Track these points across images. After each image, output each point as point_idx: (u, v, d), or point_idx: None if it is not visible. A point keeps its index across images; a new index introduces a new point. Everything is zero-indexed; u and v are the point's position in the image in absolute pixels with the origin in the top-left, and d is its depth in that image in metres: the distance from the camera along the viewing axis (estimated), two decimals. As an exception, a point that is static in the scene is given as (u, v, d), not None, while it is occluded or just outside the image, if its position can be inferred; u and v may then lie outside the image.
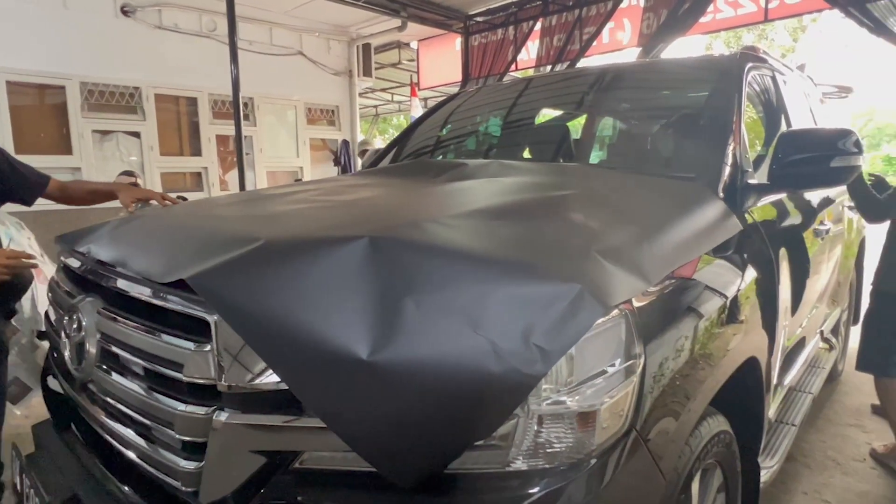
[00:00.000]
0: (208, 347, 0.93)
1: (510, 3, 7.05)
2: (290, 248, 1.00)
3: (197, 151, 6.82)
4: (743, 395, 1.51)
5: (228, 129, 6.92)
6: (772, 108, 2.35)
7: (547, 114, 2.80)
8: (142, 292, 1.09)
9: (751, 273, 1.51)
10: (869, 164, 27.91)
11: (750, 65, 2.14)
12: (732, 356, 1.31)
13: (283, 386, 0.88)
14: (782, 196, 1.94)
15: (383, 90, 11.53)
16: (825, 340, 2.96)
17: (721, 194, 1.62)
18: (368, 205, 1.45)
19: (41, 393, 1.56)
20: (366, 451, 0.81)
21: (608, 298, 0.88)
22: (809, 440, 2.73)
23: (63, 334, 1.25)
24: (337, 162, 8.23)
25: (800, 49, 15.36)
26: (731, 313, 1.33)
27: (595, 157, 2.38)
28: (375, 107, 13.53)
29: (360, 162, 7.62)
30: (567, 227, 1.17)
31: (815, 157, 1.69)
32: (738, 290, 1.40)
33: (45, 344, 2.74)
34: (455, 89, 8.19)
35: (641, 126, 2.32)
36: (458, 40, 7.92)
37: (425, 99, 11.69)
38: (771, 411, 1.89)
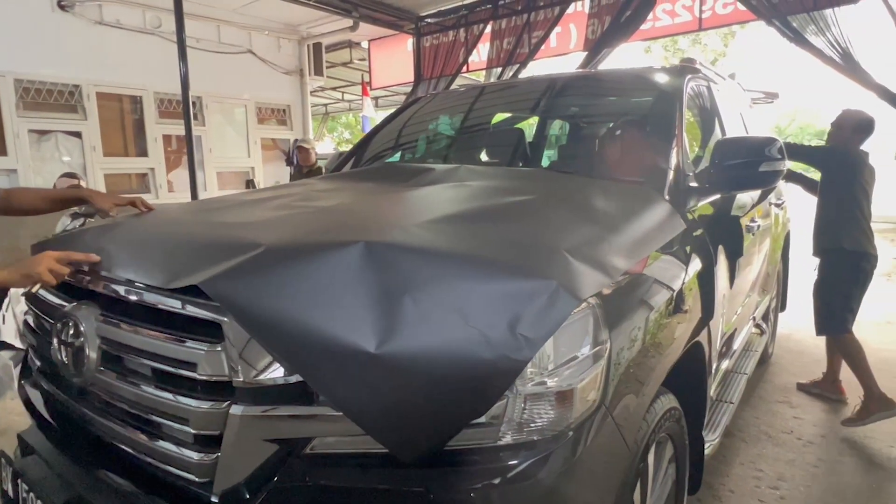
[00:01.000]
0: (220, 347, 1.01)
1: (461, 6, 7.19)
2: (292, 253, 1.09)
3: (143, 152, 6.62)
4: (689, 375, 1.70)
5: (175, 128, 6.76)
6: (708, 116, 2.58)
7: (504, 118, 2.96)
8: (148, 299, 1.14)
9: (693, 267, 1.69)
10: (792, 165, 30.01)
11: (689, 77, 2.37)
12: (680, 341, 1.49)
13: (293, 378, 0.98)
14: (718, 196, 2.16)
15: (333, 88, 11.45)
16: (757, 326, 3.26)
17: (667, 196, 1.81)
18: (351, 210, 1.54)
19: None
20: (376, 431, 0.92)
21: (579, 292, 1.02)
22: (745, 416, 3.01)
23: (55, 341, 1.28)
24: (289, 162, 8.13)
25: (730, 53, 16.30)
26: (677, 304, 1.51)
27: (551, 161, 2.55)
28: (325, 105, 13.41)
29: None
30: (538, 228, 1.30)
31: (746, 163, 1.90)
32: (683, 282, 1.58)
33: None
34: (407, 89, 8.28)
35: (593, 133, 2.50)
36: (409, 41, 8.00)
37: (377, 98, 11.70)
38: (712, 390, 2.11)
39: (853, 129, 3.09)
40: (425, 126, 2.99)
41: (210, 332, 1.03)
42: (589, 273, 1.10)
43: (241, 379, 0.98)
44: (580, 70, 3.11)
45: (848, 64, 4.76)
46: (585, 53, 6.31)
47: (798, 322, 4.68)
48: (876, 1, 4.57)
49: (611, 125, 2.38)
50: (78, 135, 6.02)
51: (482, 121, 2.91)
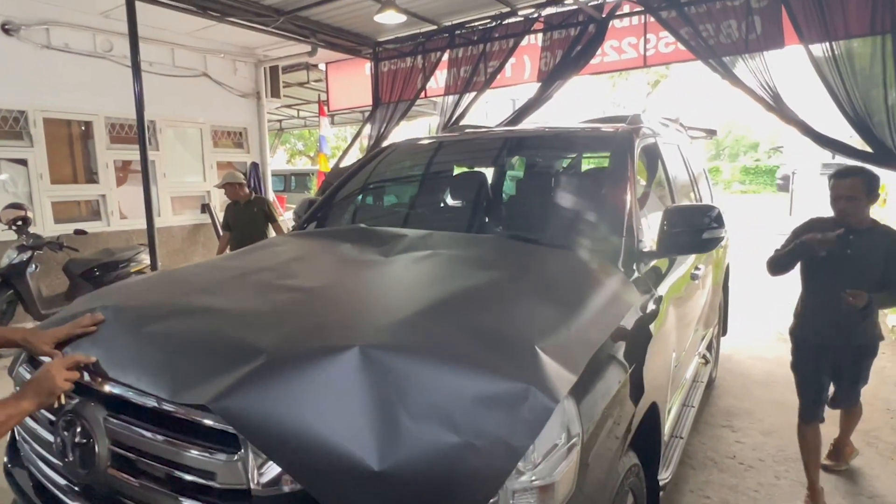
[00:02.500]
0: (237, 457, 1.10)
1: (418, 34, 7.35)
2: (292, 363, 1.19)
3: (92, 178, 6.43)
4: (646, 431, 1.88)
5: (127, 153, 6.61)
6: (654, 169, 2.82)
7: (464, 171, 3.11)
8: (159, 405, 1.22)
9: (649, 331, 1.89)
10: (730, 173, 31.71)
11: (637, 140, 2.58)
12: (640, 408, 1.67)
13: None
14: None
15: (289, 106, 11.38)
16: (703, 357, 3.54)
17: (621, 265, 2.01)
18: (336, 297, 1.61)
19: None
20: None
21: (556, 394, 1.17)
22: (692, 443, 3.26)
23: (59, 439, 1.32)
24: (204, 209, 7.58)
25: (671, 75, 17.18)
26: (638, 374, 1.68)
27: (511, 220, 2.69)
28: (280, 121, 13.29)
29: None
30: (512, 318, 1.45)
31: (690, 230, 2.12)
32: (644, 350, 1.76)
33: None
34: (366, 112, 8.36)
35: (549, 196, 2.65)
36: (367, 64, 8.10)
37: (332, 114, 11.69)
38: (665, 434, 2.32)
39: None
40: (392, 178, 3.11)
41: (227, 440, 1.12)
42: (561, 373, 1.25)
43: (260, 488, 1.08)
44: (538, 128, 3.29)
45: (776, 104, 5.21)
46: (539, 84, 6.61)
47: (737, 342, 5.06)
48: (798, 47, 5.05)
49: (566, 190, 2.57)
50: (24, 162, 5.81)
51: (444, 174, 3.05)
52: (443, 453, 1.06)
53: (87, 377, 1.35)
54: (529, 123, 6.45)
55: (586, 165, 2.81)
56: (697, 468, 3.01)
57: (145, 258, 5.94)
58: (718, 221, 2.13)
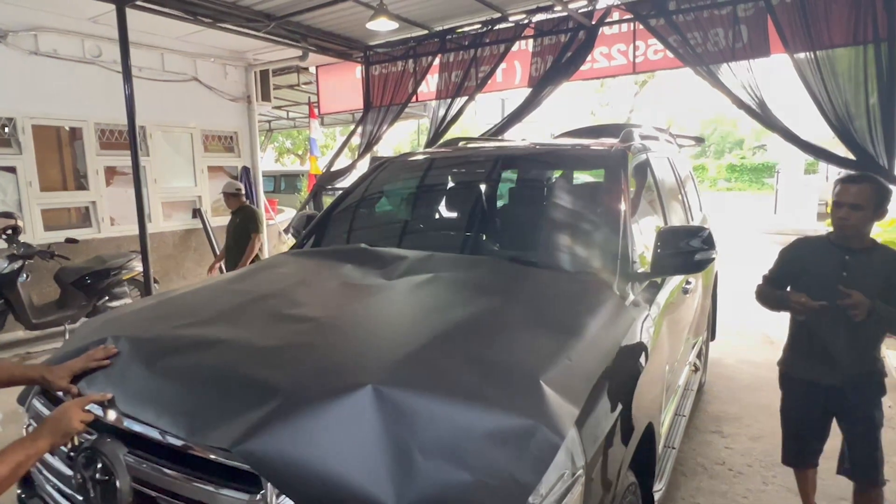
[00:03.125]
0: (260, 496, 1.15)
1: (409, 38, 7.38)
2: (307, 403, 1.23)
3: (82, 185, 6.39)
4: (642, 448, 1.96)
5: (117, 160, 6.57)
6: (646, 186, 2.90)
7: (461, 189, 3.16)
8: (179, 443, 1.26)
9: (645, 353, 1.95)
10: (715, 171, 32.08)
11: (630, 158, 2.65)
12: (638, 431, 1.74)
13: None
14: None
15: (278, 108, 11.34)
16: (693, 366, 3.63)
17: (616, 288, 2.07)
18: (343, 329, 1.65)
19: None
20: None
21: (562, 430, 1.24)
22: (683, 449, 3.36)
23: (78, 474, 1.36)
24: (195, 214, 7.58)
25: (658, 74, 17.33)
26: (636, 398, 1.75)
27: (507, 240, 2.75)
28: (269, 121, 13.23)
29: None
30: (515, 350, 1.51)
31: (682, 252, 2.20)
32: (640, 373, 1.83)
33: None
34: (357, 115, 8.37)
35: (546, 221, 2.68)
36: (358, 68, 8.10)
37: (322, 116, 11.66)
38: (659, 448, 2.39)
39: None
40: (387, 195, 3.16)
41: (250, 479, 1.17)
42: (565, 407, 1.32)
43: (282, 527, 1.13)
44: (534, 145, 3.35)
45: (762, 111, 5.32)
46: (530, 90, 6.67)
47: (724, 346, 5.18)
48: (783, 56, 5.16)
49: (561, 211, 2.63)
50: (12, 170, 5.76)
51: (442, 192, 3.11)
52: (456, 491, 1.11)
53: (109, 415, 1.39)
54: (524, 125, 6.53)
55: (581, 182, 2.87)
56: (689, 475, 3.10)
57: (137, 265, 5.92)
58: (709, 243, 2.21)
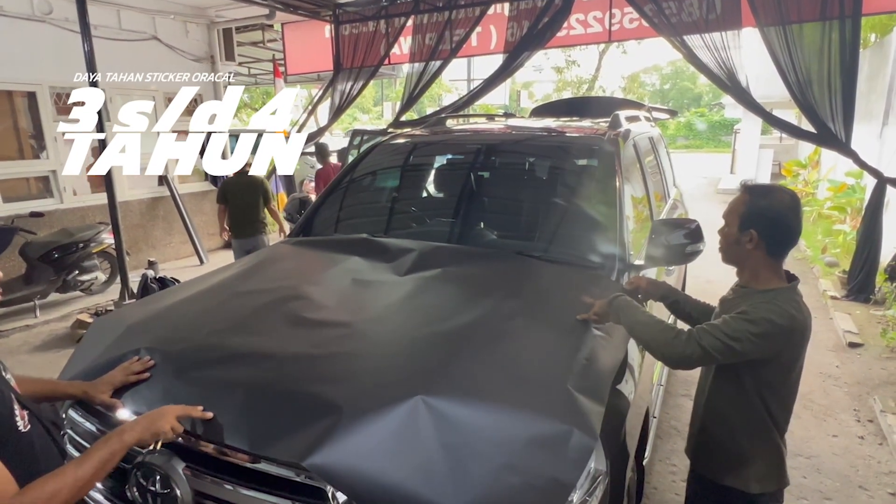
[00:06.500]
0: (325, 508, 1.26)
1: (381, -3, 7.15)
2: (364, 416, 1.33)
3: (40, 153, 6.06)
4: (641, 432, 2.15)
5: (75, 125, 6.22)
6: (636, 171, 3.02)
7: (456, 177, 3.20)
8: (244, 459, 1.34)
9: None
10: (673, 128, 32.69)
11: (622, 143, 2.76)
12: (641, 417, 1.92)
13: None
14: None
15: (240, 65, 10.84)
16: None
17: (615, 278, 2.22)
18: (372, 333, 1.73)
19: None
20: None
21: (592, 432, 1.38)
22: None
23: (135, 490, 1.42)
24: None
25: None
26: (639, 388, 1.91)
27: (504, 232, 2.82)
28: (229, 74, 12.63)
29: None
30: (539, 353, 1.64)
31: (676, 245, 2.35)
32: (641, 363, 2.00)
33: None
34: (327, 77, 8.12)
35: (544, 212, 2.77)
36: (327, 27, 7.82)
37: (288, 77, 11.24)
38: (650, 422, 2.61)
39: None
40: (380, 182, 3.18)
41: (315, 493, 1.27)
42: (592, 408, 1.46)
43: (348, 535, 1.24)
44: (527, 129, 3.40)
45: (731, 82, 5.50)
46: (505, 56, 6.64)
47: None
48: (754, 30, 5.31)
49: (559, 202, 2.73)
50: (-38, 139, 5.42)
51: (438, 179, 3.15)
52: (508, 493, 1.25)
53: (198, 430, 1.42)
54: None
55: (576, 171, 2.96)
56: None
57: (107, 238, 5.76)
58: (696, 236, 2.36)
